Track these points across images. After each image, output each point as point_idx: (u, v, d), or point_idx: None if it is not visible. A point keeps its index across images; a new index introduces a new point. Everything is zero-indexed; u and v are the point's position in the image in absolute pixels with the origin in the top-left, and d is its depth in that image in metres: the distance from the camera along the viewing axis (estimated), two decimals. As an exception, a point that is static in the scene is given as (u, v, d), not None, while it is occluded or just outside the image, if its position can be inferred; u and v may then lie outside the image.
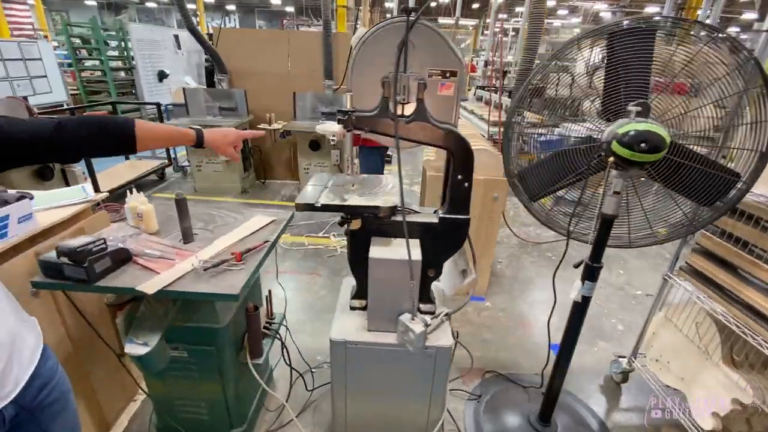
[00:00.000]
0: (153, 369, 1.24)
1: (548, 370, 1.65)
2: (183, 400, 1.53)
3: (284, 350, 1.72)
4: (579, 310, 1.46)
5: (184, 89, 4.27)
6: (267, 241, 1.43)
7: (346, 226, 1.51)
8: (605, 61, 1.31)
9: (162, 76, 5.96)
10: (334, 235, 3.52)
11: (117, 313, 1.39)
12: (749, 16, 13.03)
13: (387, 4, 19.80)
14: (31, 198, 1.32)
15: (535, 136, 1.49)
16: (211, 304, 1.35)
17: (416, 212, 1.44)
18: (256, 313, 1.46)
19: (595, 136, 1.37)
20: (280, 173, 4.98)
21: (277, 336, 1.66)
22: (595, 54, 1.31)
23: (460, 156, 1.28)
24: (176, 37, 5.83)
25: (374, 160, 3.26)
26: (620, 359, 2.03)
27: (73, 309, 1.42)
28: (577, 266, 1.47)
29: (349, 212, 1.33)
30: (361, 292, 1.52)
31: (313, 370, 1.94)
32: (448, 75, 1.25)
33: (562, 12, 19.65)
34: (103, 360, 1.60)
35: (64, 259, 1.10)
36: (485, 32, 12.41)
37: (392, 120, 1.24)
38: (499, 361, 2.18)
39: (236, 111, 4.48)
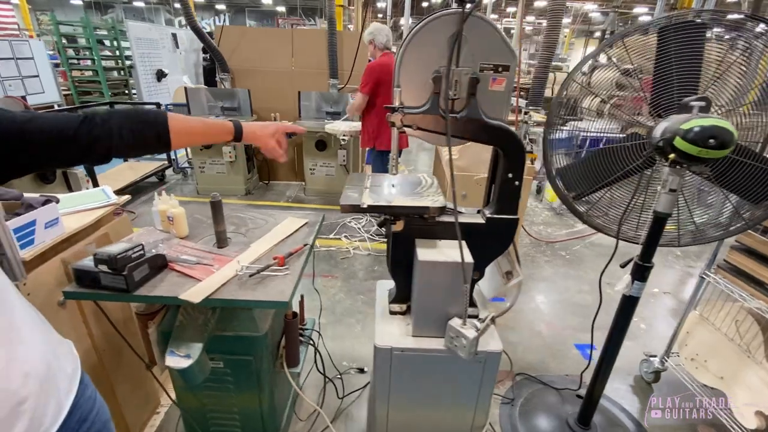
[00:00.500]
0: (194, 382, 1.17)
1: (584, 372, 1.62)
2: (216, 412, 1.46)
3: (318, 357, 1.65)
4: (627, 307, 1.43)
5: (186, 88, 4.16)
6: (306, 244, 1.37)
7: (384, 228, 1.46)
8: (655, 57, 1.29)
9: (161, 75, 5.79)
10: (346, 236, 3.46)
11: (148, 322, 1.32)
12: (736, 16, 13.48)
13: (379, 4, 19.76)
14: (57, 201, 1.24)
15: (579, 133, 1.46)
16: (250, 311, 1.28)
17: (461, 212, 1.40)
18: (295, 320, 1.39)
19: (639, 133, 1.34)
20: (284, 174, 4.89)
21: (311, 342, 1.60)
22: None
23: (512, 154, 1.24)
24: (174, 35, 5.69)
25: (385, 163, 3.21)
26: (651, 359, 2.01)
27: (101, 318, 1.34)
28: (624, 266, 1.44)
29: (396, 213, 1.28)
30: (401, 296, 1.47)
31: (341, 376, 1.88)
32: (500, 69, 1.21)
33: (552, 12, 19.79)
34: (129, 371, 1.52)
35: (103, 267, 1.03)
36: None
37: (443, 117, 1.19)
38: (527, 362, 2.15)
39: (239, 111, 4.39)
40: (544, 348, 2.28)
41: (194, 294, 1.07)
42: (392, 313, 1.48)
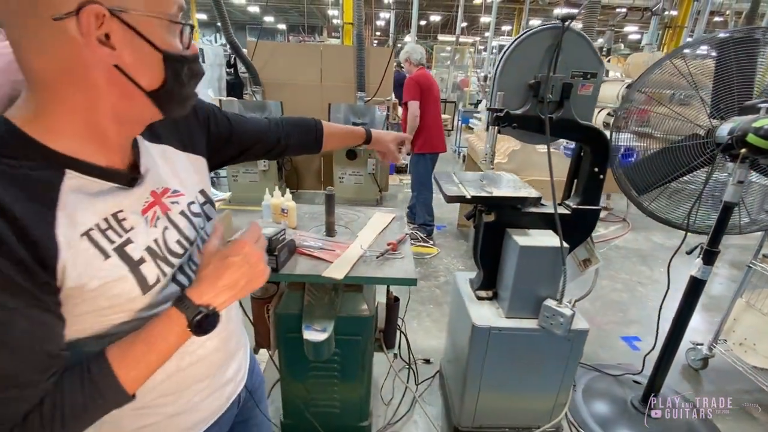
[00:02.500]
0: (323, 356, 1.28)
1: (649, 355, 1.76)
2: (319, 393, 1.55)
3: (406, 341, 1.76)
4: (695, 288, 1.57)
5: (220, 101, 4.32)
6: (407, 234, 1.50)
7: (473, 219, 1.60)
8: (716, 65, 1.47)
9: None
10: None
11: (266, 306, 1.43)
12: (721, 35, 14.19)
13: (378, 23, 20.36)
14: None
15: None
16: (360, 294, 1.41)
17: (543, 205, 1.55)
18: (396, 303, 1.52)
19: (700, 133, 1.51)
20: (310, 183, 5.03)
21: (399, 327, 1.71)
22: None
23: (599, 151, 1.40)
24: (201, 51, 5.89)
25: (424, 164, 3.37)
26: (698, 346, 2.15)
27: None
28: (690, 252, 1.59)
29: (497, 203, 1.42)
30: (487, 283, 1.61)
31: (419, 362, 1.99)
32: (588, 76, 1.38)
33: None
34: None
35: (260, 248, 1.15)
36: (477, 48, 12.90)
37: (542, 118, 1.35)
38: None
39: (269, 122, 4.54)
40: (592, 340, 2.40)
41: (335, 271, 1.19)
42: (479, 299, 1.61)
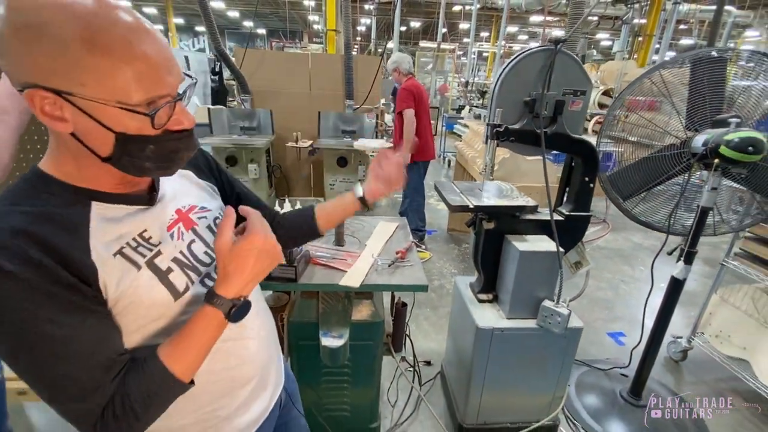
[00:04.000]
0: (339, 361, 1.34)
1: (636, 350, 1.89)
2: (331, 397, 1.61)
3: (411, 344, 1.84)
4: (675, 289, 1.71)
5: (209, 109, 4.31)
6: (413, 242, 1.58)
7: (473, 227, 1.69)
8: (690, 82, 1.62)
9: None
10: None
11: (280, 315, 1.49)
12: (686, 41, 15.19)
13: (359, 28, 20.47)
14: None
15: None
16: (371, 300, 1.48)
17: (538, 212, 1.65)
18: (404, 308, 1.59)
19: (677, 143, 1.65)
20: (300, 191, 5.06)
21: (406, 333, 1.79)
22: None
23: (589, 161, 1.52)
24: (186, 58, 5.82)
25: (417, 172, 3.47)
26: (678, 339, 2.31)
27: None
28: (670, 253, 1.73)
29: (497, 212, 1.52)
30: (488, 287, 1.70)
31: (424, 363, 2.07)
32: (578, 93, 1.49)
33: (522, 37, 21.15)
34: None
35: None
36: (456, 54, 13.18)
37: (537, 133, 1.46)
38: (570, 350, 2.40)
39: (258, 130, 4.56)
40: (582, 337, 2.53)
41: (351, 280, 1.26)
42: (481, 301, 1.70)
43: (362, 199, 0.95)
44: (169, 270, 0.63)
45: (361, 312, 1.47)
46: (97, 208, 0.58)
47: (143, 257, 0.60)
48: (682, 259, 1.66)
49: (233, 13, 19.50)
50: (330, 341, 1.29)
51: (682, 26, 12.96)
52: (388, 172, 0.94)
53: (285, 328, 1.47)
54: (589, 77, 1.49)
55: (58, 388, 0.52)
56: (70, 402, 0.53)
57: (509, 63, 1.47)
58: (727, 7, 8.63)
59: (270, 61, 4.62)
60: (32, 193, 0.54)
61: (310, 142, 4.50)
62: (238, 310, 0.61)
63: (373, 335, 1.50)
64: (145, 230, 0.62)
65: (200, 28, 21.85)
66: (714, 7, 6.36)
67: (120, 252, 0.58)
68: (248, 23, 20.84)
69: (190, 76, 0.62)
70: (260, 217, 0.67)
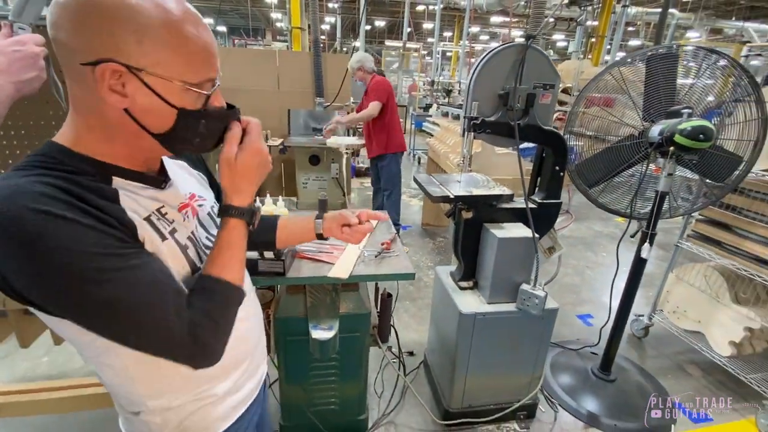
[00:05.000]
0: (329, 354, 1.35)
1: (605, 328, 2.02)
2: (319, 392, 1.61)
3: (396, 335, 1.87)
4: (640, 266, 1.84)
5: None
6: (396, 233, 1.61)
7: (453, 217, 1.75)
8: (645, 77, 1.74)
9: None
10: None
11: (266, 312, 1.48)
12: (634, 42, 16.22)
13: (323, 26, 20.28)
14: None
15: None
16: (357, 291, 1.50)
17: (514, 201, 1.73)
18: (390, 299, 1.62)
19: (635, 134, 1.78)
20: (272, 191, 4.95)
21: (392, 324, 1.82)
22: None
23: (559, 151, 1.61)
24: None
25: (396, 163, 3.52)
26: (640, 318, 2.48)
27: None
28: (633, 236, 1.86)
29: (477, 201, 1.58)
30: (468, 274, 1.76)
31: (407, 354, 2.11)
32: (548, 87, 1.57)
33: (483, 37, 21.72)
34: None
35: (268, 255, 1.20)
36: (420, 54, 13.37)
37: (511, 124, 1.53)
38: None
39: (226, 129, 4.44)
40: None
41: (340, 271, 1.27)
42: (462, 289, 1.76)
43: (320, 235, 0.95)
44: (186, 246, 0.67)
45: (348, 304, 1.48)
46: (118, 182, 0.60)
47: (166, 229, 0.63)
48: (647, 240, 1.79)
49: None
50: (320, 333, 1.30)
51: (630, 28, 13.81)
52: (351, 237, 0.95)
53: (271, 324, 1.46)
54: (557, 71, 1.57)
55: (146, 318, 0.54)
56: (159, 330, 0.55)
57: (484, 58, 1.53)
58: (670, 10, 9.26)
59: (235, 58, 4.51)
60: (53, 164, 0.55)
61: (281, 140, 4.43)
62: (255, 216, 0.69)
63: (361, 326, 1.52)
64: (163, 206, 0.65)
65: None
66: (659, 10, 6.82)
67: (148, 219, 0.61)
68: (209, 20, 20.14)
69: None
70: (259, 128, 0.70)
